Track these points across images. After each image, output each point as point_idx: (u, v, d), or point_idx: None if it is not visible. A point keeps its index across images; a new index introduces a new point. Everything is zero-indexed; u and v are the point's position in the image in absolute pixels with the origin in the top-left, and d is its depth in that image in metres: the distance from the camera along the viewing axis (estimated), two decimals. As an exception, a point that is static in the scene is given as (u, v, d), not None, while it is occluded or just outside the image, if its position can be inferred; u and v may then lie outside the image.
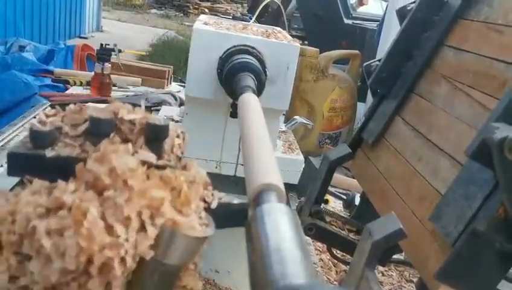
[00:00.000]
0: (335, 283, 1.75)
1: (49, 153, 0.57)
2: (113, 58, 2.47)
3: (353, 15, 5.53)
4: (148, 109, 2.29)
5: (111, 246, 0.49)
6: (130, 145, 0.56)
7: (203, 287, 2.02)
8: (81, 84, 2.57)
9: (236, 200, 0.68)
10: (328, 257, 1.89)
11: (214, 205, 0.61)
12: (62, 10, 6.22)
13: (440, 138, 0.98)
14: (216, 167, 2.03)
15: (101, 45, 2.34)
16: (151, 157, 0.58)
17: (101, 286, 0.50)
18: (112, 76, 2.33)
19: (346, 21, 5.37)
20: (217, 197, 0.63)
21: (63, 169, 0.55)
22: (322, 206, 1.08)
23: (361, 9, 5.74)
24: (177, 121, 2.22)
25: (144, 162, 0.56)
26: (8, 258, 0.49)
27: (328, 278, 1.76)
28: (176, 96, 3.43)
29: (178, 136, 0.68)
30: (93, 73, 2.31)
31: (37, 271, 0.48)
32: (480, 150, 0.69)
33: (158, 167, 0.58)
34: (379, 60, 1.26)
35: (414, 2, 1.20)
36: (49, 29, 5.87)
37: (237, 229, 0.65)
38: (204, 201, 0.60)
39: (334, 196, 2.38)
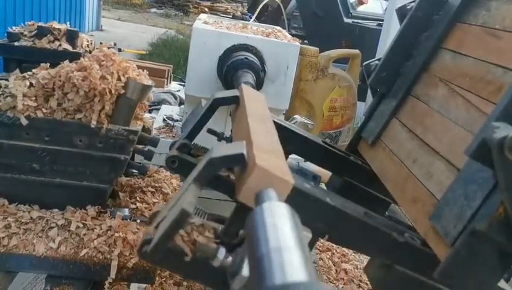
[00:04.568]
0: (335, 282, 1.76)
1: (16, 43, 1.32)
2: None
3: (353, 14, 5.52)
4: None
5: (104, 83, 1.12)
6: (110, 48, 1.24)
7: (202, 287, 2.02)
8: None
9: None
10: (327, 257, 1.89)
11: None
12: (62, 9, 6.21)
13: (435, 140, 0.98)
14: (216, 166, 2.03)
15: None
16: (69, 47, 1.33)
17: (100, 105, 1.14)
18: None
19: (346, 20, 5.37)
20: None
21: (26, 53, 1.31)
22: (193, 143, 1.01)
23: (361, 8, 5.73)
24: (176, 120, 2.22)
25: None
26: (59, 95, 1.14)
27: (327, 277, 1.76)
28: (176, 95, 3.43)
29: (87, 40, 1.46)
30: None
31: (72, 98, 1.12)
32: (480, 150, 0.68)
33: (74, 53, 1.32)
34: (379, 59, 1.26)
35: (414, 1, 1.20)
36: (48, 28, 5.85)
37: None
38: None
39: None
